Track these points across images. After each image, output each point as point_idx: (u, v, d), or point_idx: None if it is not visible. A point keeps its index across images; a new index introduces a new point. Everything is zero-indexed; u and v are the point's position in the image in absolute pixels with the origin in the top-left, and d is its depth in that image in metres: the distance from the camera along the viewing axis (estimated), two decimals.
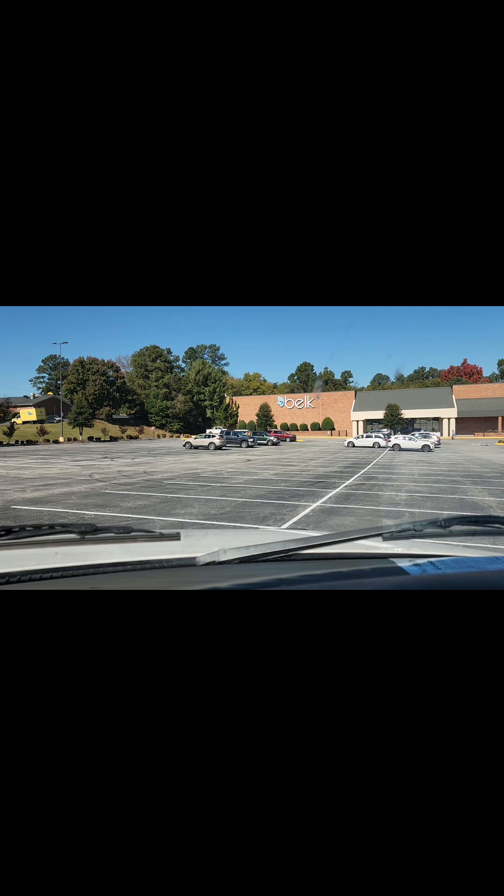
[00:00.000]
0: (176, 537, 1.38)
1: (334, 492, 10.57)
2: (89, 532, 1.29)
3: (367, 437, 37.87)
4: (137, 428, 64.55)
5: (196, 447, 31.14)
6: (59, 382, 69.50)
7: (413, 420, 61.69)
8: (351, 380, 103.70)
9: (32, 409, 61.01)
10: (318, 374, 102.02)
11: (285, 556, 1.03)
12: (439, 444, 33.53)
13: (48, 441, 44.54)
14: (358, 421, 64.53)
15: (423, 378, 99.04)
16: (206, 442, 31.25)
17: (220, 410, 60.35)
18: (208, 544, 1.39)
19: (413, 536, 1.16)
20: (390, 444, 31.97)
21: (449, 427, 59.90)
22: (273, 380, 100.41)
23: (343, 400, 69.47)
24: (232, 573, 0.96)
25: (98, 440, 49.02)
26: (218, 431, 34.24)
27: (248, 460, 20.88)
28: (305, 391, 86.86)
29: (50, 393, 77.04)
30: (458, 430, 59.25)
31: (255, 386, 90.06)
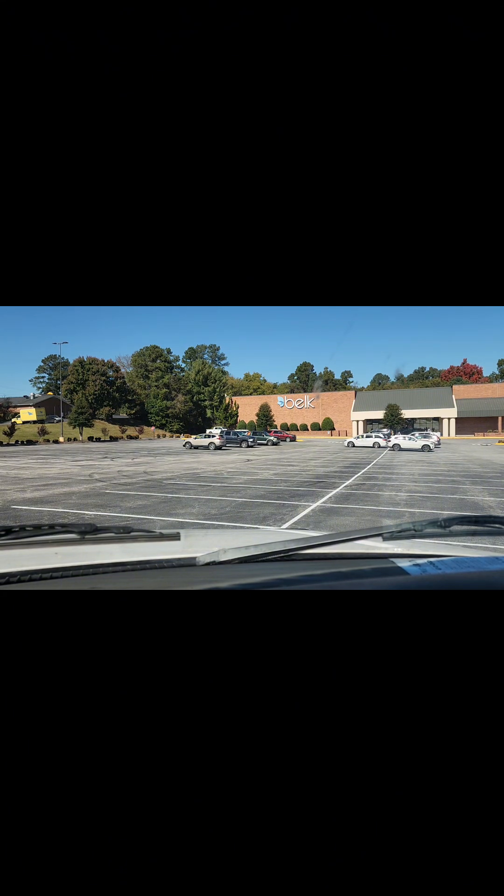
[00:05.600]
0: (176, 537, 1.39)
1: (334, 492, 10.56)
2: (89, 532, 1.29)
3: (367, 437, 37.85)
4: (137, 428, 64.55)
5: (196, 447, 31.14)
6: (59, 382, 69.52)
7: (413, 420, 61.69)
8: (351, 380, 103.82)
9: (32, 409, 61.00)
10: (318, 374, 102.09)
11: (285, 556, 1.03)
12: (439, 444, 33.54)
13: (48, 441, 44.54)
14: (358, 421, 64.53)
15: (423, 378, 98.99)
16: (206, 442, 31.24)
17: (220, 410, 60.32)
18: (208, 544, 1.39)
19: (413, 536, 1.16)
20: (390, 444, 31.97)
21: (449, 427, 59.89)
22: (273, 380, 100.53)
23: (343, 400, 69.46)
24: (232, 573, 0.96)
25: (98, 440, 49.04)
26: (218, 431, 34.21)
27: (248, 460, 20.88)
28: (305, 391, 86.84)
29: (50, 393, 77.04)
30: (458, 430, 59.24)
31: (255, 386, 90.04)
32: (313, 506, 8.61)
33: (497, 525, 1.22)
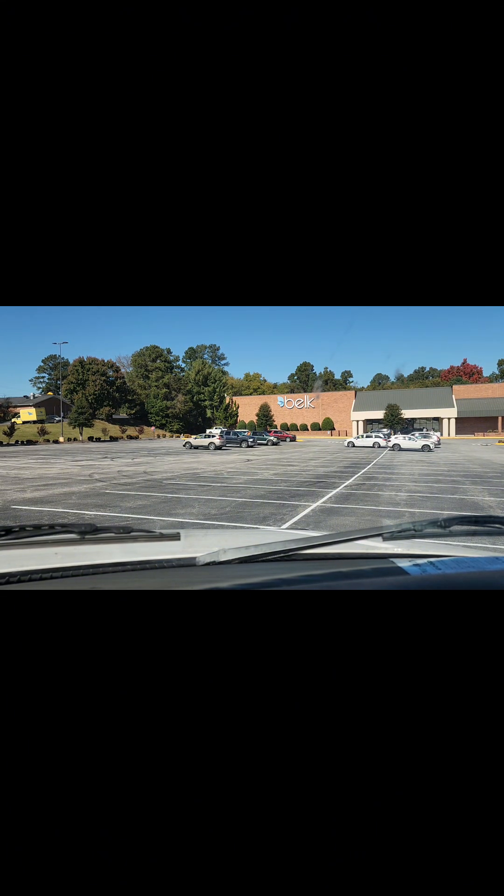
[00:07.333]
0: (176, 537, 1.39)
1: (334, 492, 10.56)
2: (89, 532, 1.29)
3: (367, 437, 37.83)
4: (137, 428, 64.53)
5: (196, 447, 31.14)
6: (59, 382, 69.53)
7: (413, 420, 61.68)
8: (351, 380, 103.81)
9: (32, 409, 61.02)
10: (318, 374, 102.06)
11: (285, 556, 1.03)
12: (439, 444, 33.54)
13: (48, 441, 44.55)
14: (358, 421, 64.51)
15: (423, 378, 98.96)
16: (205, 442, 31.24)
17: (220, 410, 60.36)
18: (208, 544, 1.39)
19: (413, 536, 1.16)
20: (390, 444, 31.97)
21: (449, 427, 59.89)
22: (273, 380, 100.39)
23: (343, 400, 69.44)
24: (232, 573, 0.96)
25: (98, 440, 49.04)
26: (218, 431, 34.20)
27: (248, 460, 20.87)
28: (305, 391, 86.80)
29: (50, 393, 77.02)
30: (458, 430, 59.22)
31: (255, 386, 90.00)
32: (313, 506, 8.61)
33: (497, 525, 1.22)
